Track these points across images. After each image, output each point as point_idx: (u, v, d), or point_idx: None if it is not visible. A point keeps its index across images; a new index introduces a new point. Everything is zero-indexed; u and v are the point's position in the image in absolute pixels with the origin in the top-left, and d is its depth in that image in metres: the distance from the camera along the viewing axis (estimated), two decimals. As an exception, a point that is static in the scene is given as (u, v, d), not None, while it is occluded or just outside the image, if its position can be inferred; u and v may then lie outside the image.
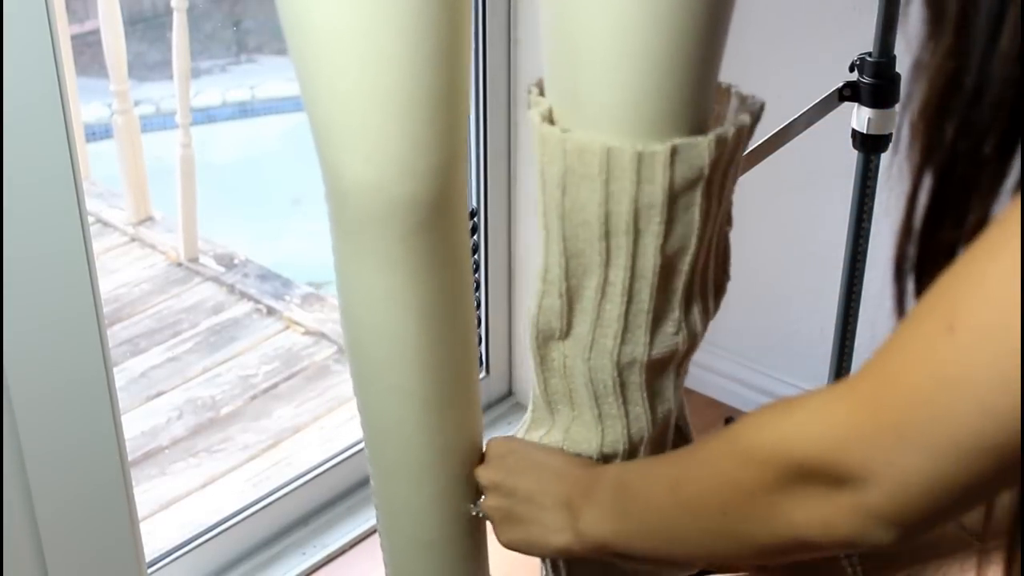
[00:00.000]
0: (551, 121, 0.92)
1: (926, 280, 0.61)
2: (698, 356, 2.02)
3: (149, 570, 1.53)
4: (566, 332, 0.98)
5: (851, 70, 1.36)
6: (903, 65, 1.35)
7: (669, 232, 0.91)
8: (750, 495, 0.71)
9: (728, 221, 0.99)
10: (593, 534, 0.90)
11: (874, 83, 1.34)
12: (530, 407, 1.06)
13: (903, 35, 1.44)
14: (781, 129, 1.37)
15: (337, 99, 0.92)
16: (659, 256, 0.92)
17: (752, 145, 1.37)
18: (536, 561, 1.15)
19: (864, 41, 1.35)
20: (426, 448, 1.07)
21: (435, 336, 1.02)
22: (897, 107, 1.37)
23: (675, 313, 0.96)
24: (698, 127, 0.90)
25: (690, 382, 2.06)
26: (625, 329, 0.95)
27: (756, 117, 0.94)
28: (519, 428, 1.08)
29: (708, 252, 0.97)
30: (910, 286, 0.63)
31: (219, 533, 1.65)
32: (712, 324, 2.16)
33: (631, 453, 1.00)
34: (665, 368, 0.99)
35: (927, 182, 0.60)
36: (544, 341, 0.99)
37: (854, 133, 1.38)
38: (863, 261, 1.46)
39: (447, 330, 1.03)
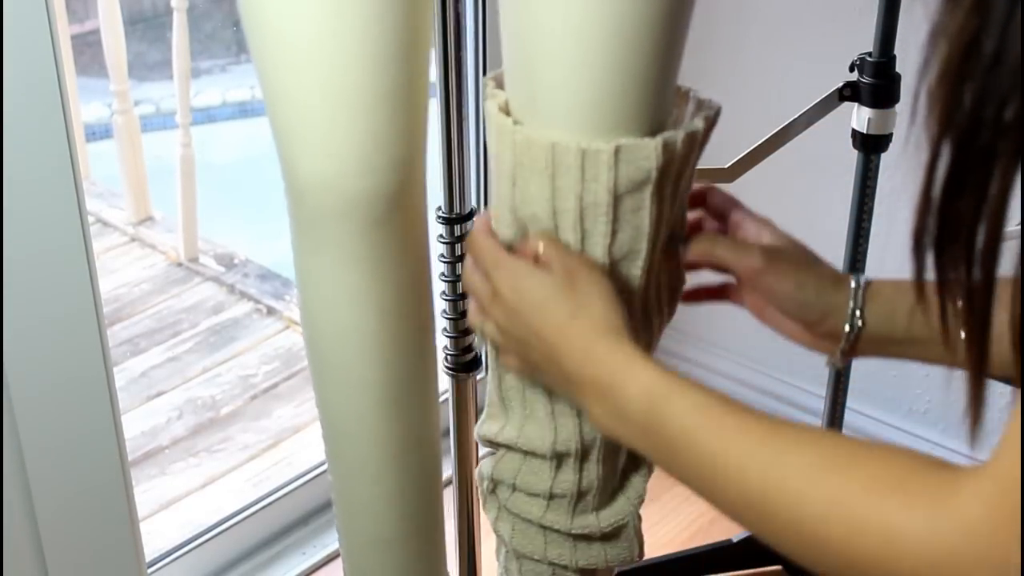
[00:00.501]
0: (508, 113, 0.91)
1: (945, 254, 0.59)
2: (698, 356, 2.04)
3: (149, 570, 1.53)
4: None
5: (851, 70, 1.36)
6: (903, 65, 1.35)
7: (616, 232, 0.89)
8: (832, 558, 0.67)
9: (682, 224, 0.97)
10: (602, 430, 0.84)
11: (874, 83, 1.34)
12: (486, 404, 1.05)
13: (903, 35, 1.45)
14: (781, 129, 1.37)
15: (295, 95, 0.93)
16: (607, 257, 0.90)
17: (752, 145, 1.37)
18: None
19: (864, 41, 1.35)
20: (383, 445, 1.07)
21: (394, 331, 1.03)
22: (896, 108, 1.37)
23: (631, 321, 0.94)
24: (657, 129, 0.89)
25: (690, 382, 2.06)
26: None
27: (711, 122, 0.92)
28: (477, 425, 1.07)
29: (664, 255, 0.95)
30: (929, 261, 0.60)
31: (219, 533, 1.65)
32: (712, 324, 2.17)
33: (584, 453, 0.99)
34: None
35: (946, 152, 0.58)
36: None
37: (854, 133, 1.38)
38: (863, 261, 1.46)
39: (406, 325, 1.04)
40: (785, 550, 0.70)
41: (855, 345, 0.91)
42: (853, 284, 0.91)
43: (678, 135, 0.87)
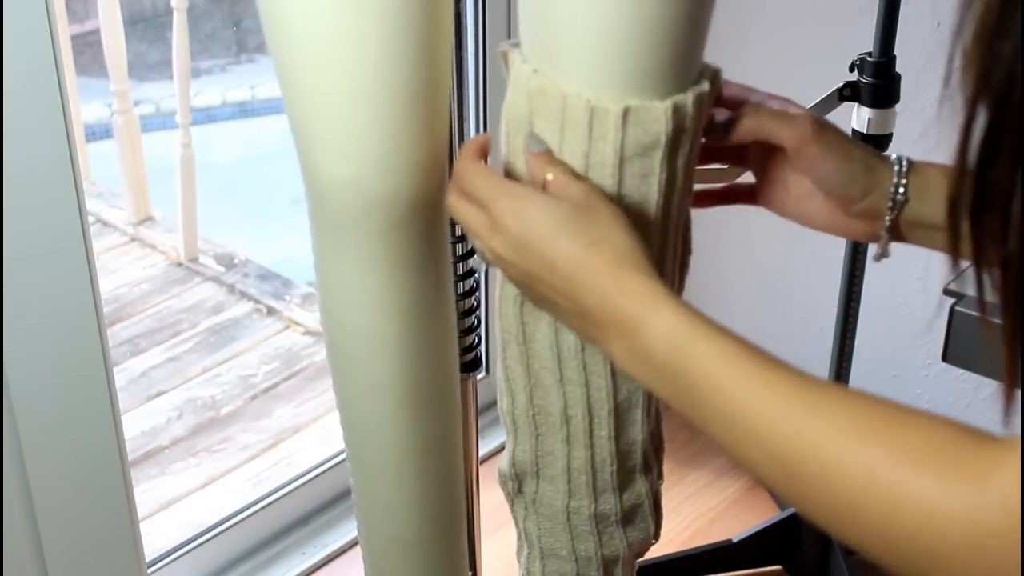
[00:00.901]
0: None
1: (981, 221, 0.58)
2: (698, 356, 2.03)
3: (149, 570, 1.53)
4: None
5: (851, 70, 1.36)
6: (903, 65, 1.35)
7: (622, 198, 0.86)
8: (867, 532, 0.64)
9: (689, 194, 0.94)
10: (625, 371, 0.78)
11: (874, 83, 1.34)
12: (498, 380, 1.04)
13: (903, 35, 1.44)
14: (781, 129, 1.37)
15: (316, 96, 0.92)
16: None
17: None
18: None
19: (864, 41, 1.35)
20: (405, 447, 1.07)
21: (415, 334, 1.02)
22: (896, 108, 1.37)
23: None
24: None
25: (690, 382, 2.06)
26: None
27: (715, 83, 0.89)
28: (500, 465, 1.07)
29: (676, 228, 0.92)
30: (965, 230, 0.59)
31: (219, 533, 1.65)
32: (712, 324, 2.14)
33: (591, 420, 0.98)
34: None
35: (981, 114, 0.56)
36: (513, 302, 0.95)
37: (854, 133, 1.38)
38: (863, 261, 1.46)
39: (427, 328, 1.03)
40: (815, 519, 0.67)
41: (896, 223, 0.89)
42: (895, 162, 0.89)
43: (687, 98, 0.85)
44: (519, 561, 1.13)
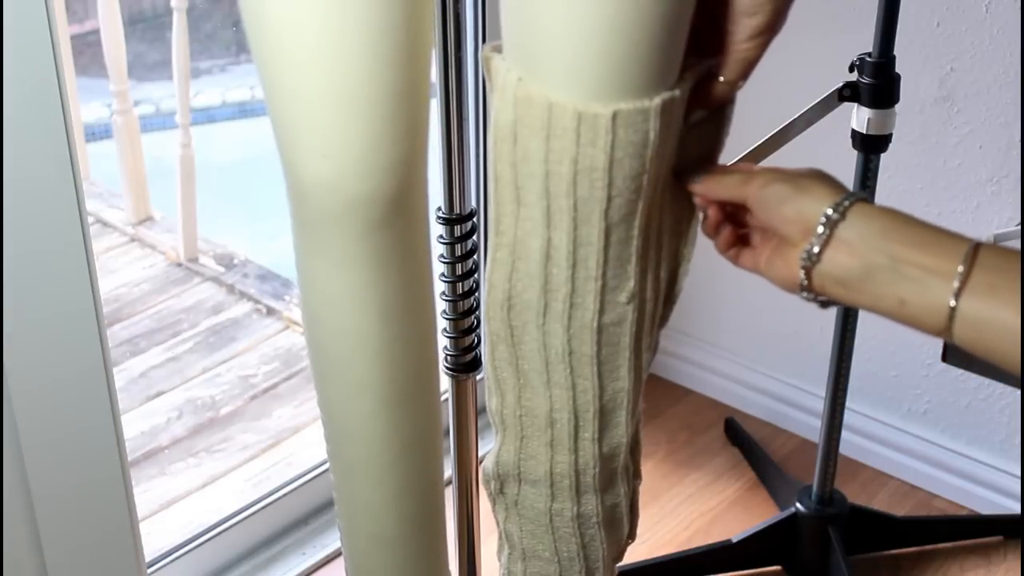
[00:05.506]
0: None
1: None
2: (698, 356, 2.04)
3: (149, 570, 1.53)
4: (519, 295, 0.95)
5: (851, 70, 1.36)
6: (903, 65, 1.35)
7: (612, 198, 0.87)
8: None
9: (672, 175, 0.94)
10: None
11: (874, 83, 1.34)
12: (486, 380, 1.04)
13: (903, 35, 1.44)
14: (781, 129, 1.37)
15: (297, 96, 0.92)
16: (603, 222, 0.88)
17: (752, 145, 1.37)
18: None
19: (864, 41, 1.35)
20: (385, 446, 1.08)
21: (394, 333, 1.03)
22: (896, 108, 1.37)
23: (629, 283, 0.93)
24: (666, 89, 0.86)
25: (690, 382, 2.07)
26: (573, 293, 0.93)
27: (700, 77, 0.90)
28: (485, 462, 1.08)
29: (659, 212, 0.93)
30: None
31: (219, 533, 1.65)
32: (712, 324, 2.16)
33: (576, 424, 0.99)
34: (617, 343, 0.96)
35: None
36: (500, 306, 0.97)
37: (854, 133, 1.38)
38: (863, 261, 1.46)
39: (407, 328, 1.04)
40: None
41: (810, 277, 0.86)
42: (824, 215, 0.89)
43: (675, 94, 0.85)
44: (499, 560, 1.14)
